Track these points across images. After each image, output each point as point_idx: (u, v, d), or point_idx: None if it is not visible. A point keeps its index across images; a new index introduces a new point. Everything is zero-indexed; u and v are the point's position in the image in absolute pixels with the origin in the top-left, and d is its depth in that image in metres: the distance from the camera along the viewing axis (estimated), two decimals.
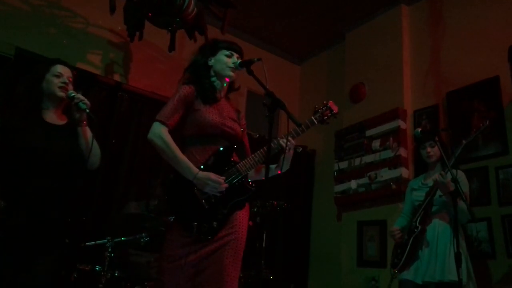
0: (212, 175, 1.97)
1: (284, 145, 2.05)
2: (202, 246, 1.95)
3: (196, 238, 1.95)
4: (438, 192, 2.85)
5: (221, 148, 2.09)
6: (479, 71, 3.83)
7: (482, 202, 3.49)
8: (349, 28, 5.17)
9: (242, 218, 2.04)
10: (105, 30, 4.42)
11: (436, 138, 2.84)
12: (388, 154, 4.21)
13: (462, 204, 2.64)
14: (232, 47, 2.23)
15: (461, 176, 2.87)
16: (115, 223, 3.31)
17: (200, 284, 1.91)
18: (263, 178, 1.87)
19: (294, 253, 5.00)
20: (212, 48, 2.23)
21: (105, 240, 2.92)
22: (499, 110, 3.60)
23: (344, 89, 5.02)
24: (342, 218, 4.66)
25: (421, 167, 3.21)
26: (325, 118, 2.17)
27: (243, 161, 2.08)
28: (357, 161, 4.54)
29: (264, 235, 3.51)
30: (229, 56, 2.18)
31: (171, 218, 2.04)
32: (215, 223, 1.97)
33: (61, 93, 2.23)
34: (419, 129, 2.91)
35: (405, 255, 2.86)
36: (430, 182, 2.96)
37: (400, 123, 4.21)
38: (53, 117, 2.25)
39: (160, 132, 2.02)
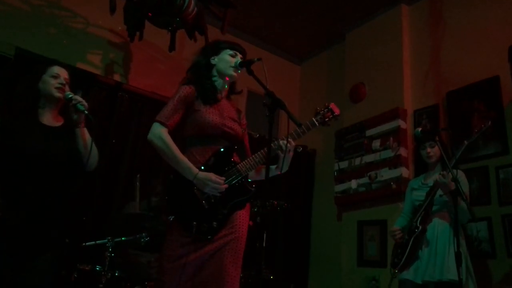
0: (212, 176, 1.97)
1: (283, 146, 2.04)
2: (202, 245, 1.95)
3: (195, 237, 1.95)
4: (439, 192, 2.85)
5: (222, 149, 2.09)
6: (479, 71, 3.83)
7: (482, 201, 3.49)
8: (349, 28, 5.17)
9: (242, 218, 2.04)
10: (105, 30, 4.43)
11: (436, 138, 2.84)
12: (388, 154, 4.21)
13: (462, 204, 2.64)
14: (236, 48, 2.23)
15: (461, 176, 2.87)
16: (115, 223, 3.31)
17: (200, 284, 1.91)
18: (263, 179, 1.87)
19: (294, 253, 5.00)
20: (216, 47, 2.23)
21: (105, 240, 2.92)
22: (499, 110, 3.60)
23: (344, 89, 5.02)
24: (342, 218, 4.66)
25: (421, 167, 3.21)
26: (326, 120, 2.16)
27: (243, 162, 2.08)
28: (357, 161, 4.54)
29: (265, 235, 3.51)
30: (233, 56, 2.18)
31: (171, 218, 2.04)
32: (215, 223, 1.97)
33: (58, 94, 2.22)
34: (419, 129, 2.91)
35: (405, 255, 2.87)
36: (430, 182, 2.96)
37: (400, 122, 4.21)
38: (49, 118, 2.24)
39: (159, 132, 2.03)
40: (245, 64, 2.07)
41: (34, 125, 2.17)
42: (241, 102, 4.88)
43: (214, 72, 2.21)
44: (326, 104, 2.19)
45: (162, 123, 2.04)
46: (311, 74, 5.95)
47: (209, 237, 1.95)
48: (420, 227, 2.86)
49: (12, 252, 1.97)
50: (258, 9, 5.02)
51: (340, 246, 4.59)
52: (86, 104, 2.20)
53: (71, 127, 2.23)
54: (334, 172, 4.77)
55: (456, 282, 2.55)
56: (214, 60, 2.20)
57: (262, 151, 2.07)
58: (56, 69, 2.28)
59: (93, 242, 2.94)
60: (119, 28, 4.30)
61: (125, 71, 4.51)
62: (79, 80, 3.93)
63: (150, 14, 3.67)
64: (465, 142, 2.74)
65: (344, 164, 4.69)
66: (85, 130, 2.26)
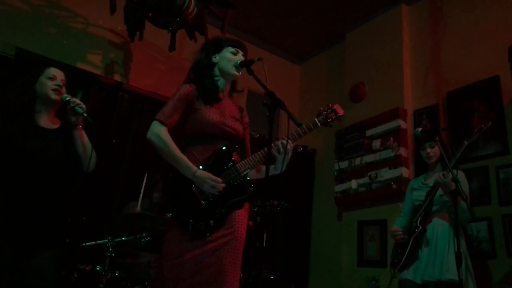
0: (210, 175, 1.97)
1: (281, 148, 2.04)
2: (201, 244, 1.94)
3: (193, 236, 1.95)
4: (439, 192, 2.85)
5: (222, 148, 2.09)
6: (479, 71, 3.83)
7: (482, 201, 3.49)
8: (349, 28, 5.17)
9: (241, 217, 2.04)
10: (105, 30, 4.43)
11: (436, 138, 2.84)
12: (389, 153, 4.21)
13: (462, 204, 2.65)
14: (238, 45, 2.21)
15: (461, 176, 2.87)
16: (116, 223, 3.31)
17: (200, 283, 1.90)
18: (263, 177, 1.87)
19: (294, 252, 5.00)
20: (217, 45, 2.21)
21: (106, 240, 2.92)
22: (499, 110, 3.60)
23: (344, 89, 5.02)
24: (343, 218, 4.66)
25: (422, 167, 3.21)
26: (329, 120, 2.14)
27: (243, 161, 2.07)
28: (357, 161, 4.54)
29: (265, 235, 3.51)
30: (235, 54, 2.17)
31: (169, 215, 2.04)
32: (212, 221, 1.97)
33: (54, 96, 2.22)
34: (420, 129, 2.91)
35: (405, 255, 2.87)
36: (430, 182, 2.96)
37: (401, 122, 4.21)
38: (46, 120, 2.24)
39: (158, 131, 2.03)
40: (246, 64, 2.07)
41: (31, 127, 2.16)
42: (241, 102, 4.87)
43: (216, 71, 2.20)
44: (330, 105, 2.16)
45: (162, 122, 2.04)
46: (311, 74, 5.95)
47: (207, 234, 1.95)
48: (420, 227, 2.86)
49: (12, 251, 1.97)
50: (258, 9, 5.02)
51: (340, 246, 4.59)
52: (84, 106, 2.20)
53: (69, 129, 2.23)
54: (334, 172, 4.77)
55: (455, 281, 2.55)
56: (216, 58, 2.18)
57: (262, 150, 2.07)
58: (53, 71, 2.27)
59: (93, 242, 2.94)
60: (119, 28, 4.30)
61: (125, 71, 4.51)
62: (79, 80, 3.95)
63: (150, 14, 3.67)
64: (465, 142, 2.74)
65: (344, 164, 4.69)
66: (83, 132, 2.26)
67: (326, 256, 4.89)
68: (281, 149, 2.04)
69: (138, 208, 3.37)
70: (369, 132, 4.49)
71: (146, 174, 3.45)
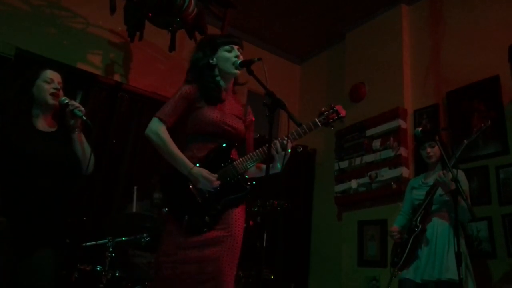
0: (204, 172, 1.98)
1: (279, 148, 2.04)
2: (198, 243, 1.94)
3: (187, 231, 1.95)
4: (439, 191, 2.85)
5: (220, 146, 2.09)
6: (479, 71, 3.83)
7: (482, 201, 3.49)
8: (349, 28, 5.17)
9: (238, 217, 2.03)
10: (105, 30, 4.43)
11: (436, 138, 2.85)
12: (389, 153, 4.21)
13: (463, 203, 2.65)
14: (230, 40, 2.21)
15: (461, 175, 2.88)
16: (116, 223, 3.31)
17: (197, 281, 1.90)
18: (263, 175, 1.87)
19: (294, 252, 5.00)
20: (212, 46, 2.21)
21: (106, 240, 2.93)
22: (499, 109, 3.60)
23: (344, 88, 5.02)
24: (343, 218, 4.66)
25: (422, 166, 3.21)
26: (330, 121, 2.14)
27: (240, 159, 2.08)
28: (357, 161, 4.54)
29: (265, 235, 3.51)
30: (230, 51, 2.17)
31: (165, 210, 2.05)
32: (207, 218, 1.97)
33: (53, 102, 2.21)
34: (420, 129, 2.91)
35: (405, 254, 2.87)
36: (430, 181, 2.96)
37: (401, 122, 4.21)
38: (43, 124, 2.23)
39: (157, 128, 2.04)
40: (245, 64, 2.06)
41: (29, 130, 2.16)
42: (241, 101, 4.88)
43: (216, 71, 2.19)
44: (332, 105, 2.16)
45: (161, 120, 2.05)
46: (311, 74, 5.95)
47: (204, 230, 1.95)
48: (420, 226, 2.86)
49: (12, 252, 1.97)
50: (258, 9, 5.03)
51: (340, 246, 4.59)
52: (83, 109, 2.19)
53: (67, 132, 2.22)
54: (334, 172, 4.77)
55: (455, 281, 2.56)
56: (214, 60, 2.18)
57: (260, 149, 2.07)
58: (49, 73, 2.25)
59: (94, 242, 2.95)
60: (119, 28, 4.30)
61: (125, 71, 4.51)
62: (79, 80, 3.96)
63: (150, 14, 3.67)
64: (465, 141, 2.74)
65: (344, 164, 4.69)
66: (82, 135, 2.25)
67: (326, 256, 4.89)
68: (279, 149, 2.04)
69: (134, 209, 3.39)
70: (369, 132, 4.49)
71: (135, 188, 3.47)
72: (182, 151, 2.06)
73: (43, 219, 2.06)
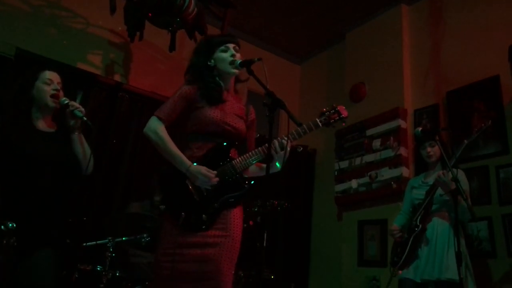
0: (203, 169, 1.98)
1: (278, 148, 2.04)
2: (196, 242, 1.94)
3: (183, 228, 1.96)
4: (439, 191, 2.85)
5: (219, 145, 2.09)
6: (479, 71, 3.83)
7: (482, 201, 3.49)
8: (349, 28, 5.17)
9: (236, 217, 2.04)
10: (105, 30, 4.42)
11: (437, 138, 2.85)
12: (389, 153, 4.21)
13: (463, 203, 2.65)
14: (224, 40, 2.21)
15: (461, 175, 2.88)
16: (116, 223, 3.31)
17: (195, 280, 1.90)
18: (264, 174, 1.87)
19: (294, 252, 5.00)
20: (208, 48, 2.21)
21: (106, 240, 2.93)
22: (499, 109, 3.60)
23: (344, 88, 5.02)
24: (343, 218, 4.66)
25: (422, 166, 3.21)
26: (331, 121, 2.12)
27: (239, 158, 2.08)
28: (357, 161, 4.54)
29: (265, 234, 3.51)
30: (225, 51, 2.17)
31: (162, 207, 2.05)
32: (204, 215, 1.97)
33: (53, 104, 2.20)
34: (420, 128, 2.92)
35: (405, 254, 2.87)
36: (430, 181, 2.96)
37: (401, 122, 4.21)
38: (43, 125, 2.23)
39: (155, 127, 2.05)
40: (245, 64, 2.06)
41: (29, 130, 2.15)
42: (243, 101, 4.88)
43: (216, 72, 2.19)
44: (334, 105, 2.14)
45: (159, 118, 2.06)
46: (311, 74, 5.95)
47: (202, 227, 1.95)
48: (420, 226, 2.86)
49: (13, 252, 1.97)
50: (258, 9, 5.02)
51: (340, 245, 4.59)
52: (83, 109, 2.19)
53: (67, 132, 2.22)
54: (334, 171, 4.77)
55: (455, 281, 2.56)
56: (211, 62, 2.18)
57: (259, 148, 2.08)
58: (48, 74, 2.24)
59: (94, 242, 2.95)
60: (119, 28, 4.30)
61: (125, 71, 4.51)
62: (79, 80, 3.96)
63: (150, 14, 3.67)
64: (465, 141, 2.74)
65: (344, 164, 4.69)
66: (82, 136, 2.25)
67: (327, 256, 4.89)
68: (278, 149, 2.04)
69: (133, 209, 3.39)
70: (369, 132, 4.49)
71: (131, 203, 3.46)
72: (182, 150, 2.06)
73: (43, 219, 2.06)
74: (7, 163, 2.07)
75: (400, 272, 2.90)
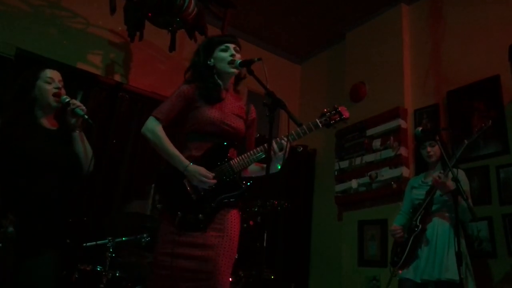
0: (202, 170, 1.98)
1: (276, 147, 2.04)
2: (196, 244, 1.94)
3: (179, 227, 1.96)
4: (439, 191, 2.85)
5: (217, 144, 2.09)
6: (479, 70, 3.82)
7: (483, 201, 3.48)
8: (349, 27, 5.17)
9: (233, 218, 2.04)
10: (106, 30, 4.43)
11: (437, 137, 2.85)
12: (389, 153, 4.21)
13: (463, 203, 2.64)
14: (225, 39, 2.22)
15: (461, 175, 2.88)
16: (116, 223, 3.31)
17: (193, 280, 1.90)
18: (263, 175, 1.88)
19: (294, 252, 5.00)
20: (208, 48, 2.21)
21: (106, 240, 2.92)
22: (499, 109, 3.60)
23: (345, 88, 5.02)
24: (343, 218, 4.66)
25: (422, 166, 3.21)
26: (332, 122, 2.11)
27: (237, 158, 2.08)
28: (357, 161, 4.54)
29: (265, 234, 3.50)
30: (225, 50, 2.17)
31: (159, 206, 2.05)
32: (201, 215, 1.97)
33: (56, 104, 2.20)
34: (420, 128, 2.91)
35: (405, 254, 2.87)
36: (430, 181, 2.96)
37: (401, 122, 4.21)
38: (47, 123, 2.23)
39: (152, 126, 2.06)
40: (245, 64, 2.06)
41: (32, 128, 2.15)
42: (243, 100, 4.89)
43: (215, 72, 2.20)
44: (335, 106, 2.13)
45: (157, 118, 2.07)
46: (311, 74, 5.95)
47: (200, 226, 1.95)
48: (420, 226, 2.86)
49: (13, 252, 1.97)
50: (258, 9, 5.02)
51: (340, 245, 4.58)
52: (84, 108, 2.19)
53: (68, 131, 2.22)
54: (334, 171, 4.77)
55: (455, 281, 2.56)
56: (211, 61, 2.19)
57: (257, 148, 2.08)
58: (49, 73, 2.24)
59: (94, 243, 2.95)
60: (119, 28, 4.30)
61: (125, 71, 4.51)
62: (79, 80, 3.96)
63: (150, 14, 3.67)
64: (465, 141, 2.74)
65: (344, 164, 4.69)
66: (83, 134, 2.25)
67: (327, 256, 4.89)
68: (277, 149, 2.04)
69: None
70: (369, 132, 4.49)
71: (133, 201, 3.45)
72: (180, 150, 2.06)
73: (44, 219, 2.06)
74: (8, 162, 2.07)
75: (400, 272, 2.90)
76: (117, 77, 4.42)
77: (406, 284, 2.85)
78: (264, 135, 2.02)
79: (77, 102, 2.19)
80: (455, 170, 2.59)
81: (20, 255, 1.98)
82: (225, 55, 2.16)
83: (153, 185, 3.35)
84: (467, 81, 3.90)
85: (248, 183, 2.11)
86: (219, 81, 2.19)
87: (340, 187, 4.65)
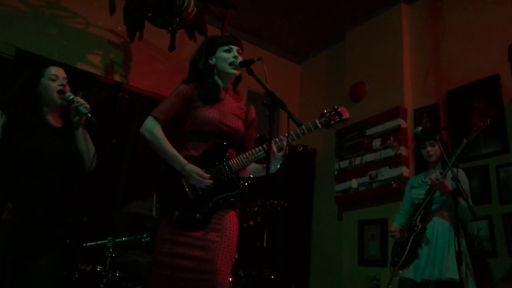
0: (198, 170, 1.99)
1: (275, 148, 2.03)
2: (194, 244, 1.94)
3: (176, 227, 1.96)
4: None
5: (216, 144, 2.10)
6: (479, 70, 3.82)
7: (483, 200, 3.49)
8: (349, 27, 5.17)
9: (232, 219, 2.04)
10: (105, 31, 4.43)
11: (437, 137, 2.85)
12: (389, 153, 4.21)
13: (463, 203, 2.64)
14: (229, 41, 2.21)
15: (461, 174, 2.88)
16: (116, 223, 3.31)
17: (192, 280, 1.90)
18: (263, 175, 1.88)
19: (295, 252, 5.00)
20: (211, 46, 2.21)
21: (106, 240, 2.93)
22: (499, 108, 3.60)
23: (344, 88, 5.02)
24: (343, 217, 4.66)
25: (422, 166, 3.21)
26: (332, 122, 2.10)
27: (235, 158, 2.08)
28: (357, 160, 4.54)
29: (265, 234, 3.50)
30: (229, 51, 2.17)
31: (157, 206, 2.06)
32: (198, 215, 1.98)
33: (60, 100, 2.20)
34: (420, 128, 2.91)
35: (405, 253, 2.87)
36: (430, 180, 2.96)
37: (401, 122, 4.21)
38: (52, 121, 2.23)
39: (151, 126, 2.07)
40: (245, 64, 2.06)
41: (36, 125, 2.15)
42: (243, 100, 4.89)
43: (215, 72, 2.20)
44: (336, 107, 2.13)
45: (156, 118, 2.08)
46: (311, 74, 5.95)
47: (198, 226, 1.96)
48: (420, 226, 2.86)
49: (13, 251, 1.97)
50: (258, 9, 5.02)
51: (340, 245, 4.59)
52: (88, 106, 2.19)
53: (71, 129, 2.22)
54: (334, 171, 4.77)
55: (455, 280, 2.56)
56: (213, 60, 2.19)
57: (256, 148, 2.08)
58: (53, 70, 2.24)
59: (94, 243, 2.95)
60: (119, 28, 4.30)
61: (125, 71, 4.51)
62: (79, 80, 3.95)
63: (149, 14, 3.67)
64: (465, 140, 2.74)
65: (344, 163, 4.69)
66: (86, 132, 2.25)
67: (327, 256, 4.89)
68: (275, 149, 2.04)
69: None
70: (369, 131, 4.49)
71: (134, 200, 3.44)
72: (179, 150, 2.07)
73: (45, 219, 2.06)
74: (9, 160, 2.07)
75: (400, 271, 2.90)
76: (117, 77, 4.42)
77: (407, 283, 2.86)
78: (264, 135, 2.02)
79: (81, 100, 2.19)
80: (455, 169, 2.59)
81: (20, 255, 1.98)
82: (228, 56, 2.16)
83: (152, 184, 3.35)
84: (467, 80, 3.90)
85: (247, 183, 2.10)
86: (218, 81, 2.19)
87: (340, 186, 4.65)
